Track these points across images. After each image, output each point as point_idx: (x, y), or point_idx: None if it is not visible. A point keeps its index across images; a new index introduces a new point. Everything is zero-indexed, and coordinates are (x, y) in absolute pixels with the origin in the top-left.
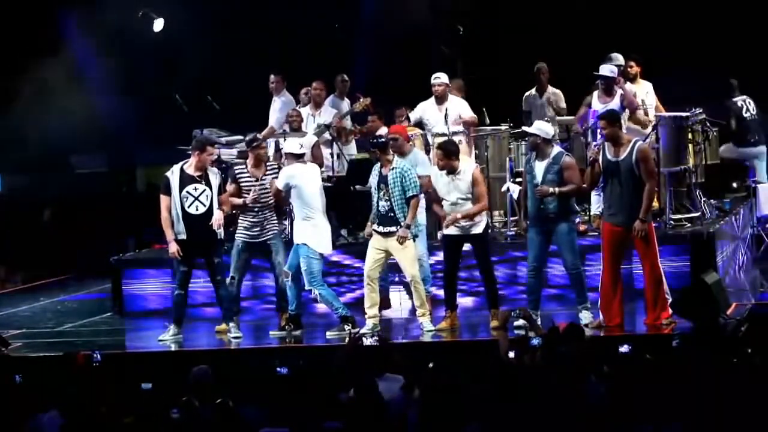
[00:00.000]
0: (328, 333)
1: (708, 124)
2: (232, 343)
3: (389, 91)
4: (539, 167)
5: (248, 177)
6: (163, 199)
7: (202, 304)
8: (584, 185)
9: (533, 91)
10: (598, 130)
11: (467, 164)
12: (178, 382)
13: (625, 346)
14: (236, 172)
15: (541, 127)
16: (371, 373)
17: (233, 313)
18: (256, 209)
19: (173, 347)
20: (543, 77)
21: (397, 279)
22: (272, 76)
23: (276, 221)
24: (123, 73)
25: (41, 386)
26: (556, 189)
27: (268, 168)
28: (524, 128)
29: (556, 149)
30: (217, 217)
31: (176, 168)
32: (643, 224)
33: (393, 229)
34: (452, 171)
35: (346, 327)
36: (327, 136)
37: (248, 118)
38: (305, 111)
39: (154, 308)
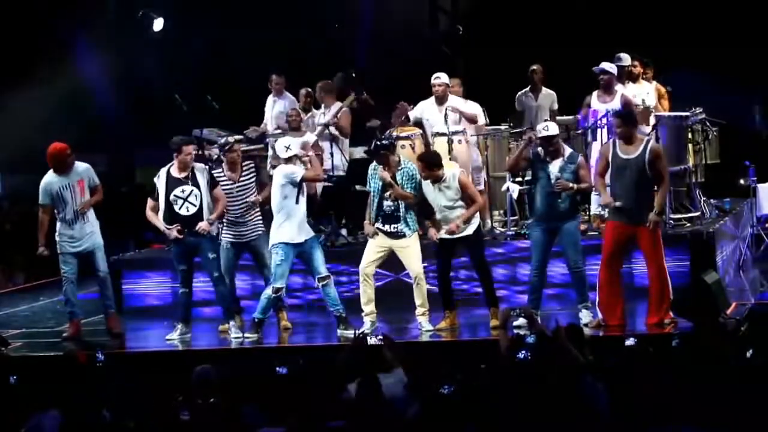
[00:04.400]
0: None
1: (708, 124)
2: (233, 342)
3: (389, 90)
4: (555, 165)
5: (225, 180)
6: (150, 201)
7: (201, 303)
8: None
9: (527, 90)
10: (599, 130)
11: (451, 170)
12: (178, 382)
13: (631, 339)
14: (215, 175)
15: (553, 127)
16: (374, 372)
17: (234, 311)
18: (239, 210)
19: (180, 346)
20: (537, 78)
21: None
22: (275, 77)
23: (261, 221)
24: (123, 73)
25: (41, 386)
26: (575, 185)
27: (244, 168)
28: (545, 133)
29: (569, 149)
30: (204, 227)
31: (162, 172)
32: (659, 217)
33: (399, 227)
34: (437, 180)
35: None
36: (327, 133)
37: (248, 118)
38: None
39: (154, 308)
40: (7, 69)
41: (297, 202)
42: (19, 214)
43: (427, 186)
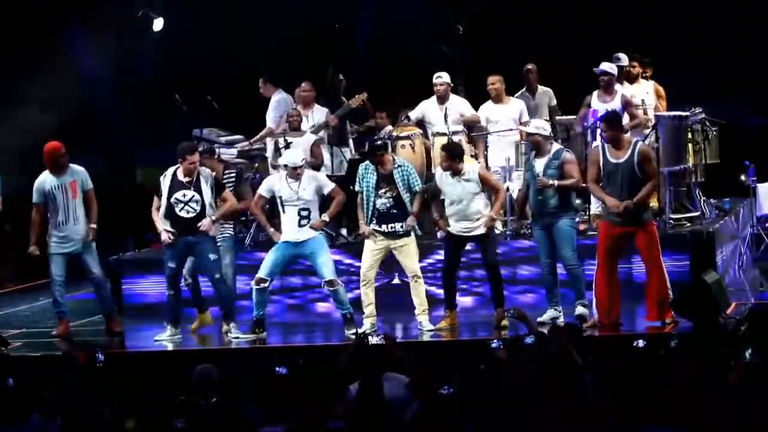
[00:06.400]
0: None
1: (707, 124)
2: (232, 343)
3: (389, 90)
4: (539, 163)
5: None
6: (155, 200)
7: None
8: (583, 183)
9: (524, 91)
10: (599, 131)
11: (470, 165)
12: (179, 382)
13: (641, 341)
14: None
15: (539, 125)
16: (375, 372)
17: (234, 312)
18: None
19: (170, 347)
20: (532, 77)
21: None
22: (259, 81)
23: (230, 225)
24: (123, 73)
25: (40, 386)
26: (555, 181)
27: (226, 175)
28: (521, 128)
29: (556, 146)
30: (206, 224)
31: (169, 172)
32: (634, 204)
33: (396, 225)
34: (456, 173)
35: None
36: (322, 134)
37: (248, 118)
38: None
39: (154, 308)
40: (7, 68)
41: None
42: (18, 215)
43: (446, 178)
